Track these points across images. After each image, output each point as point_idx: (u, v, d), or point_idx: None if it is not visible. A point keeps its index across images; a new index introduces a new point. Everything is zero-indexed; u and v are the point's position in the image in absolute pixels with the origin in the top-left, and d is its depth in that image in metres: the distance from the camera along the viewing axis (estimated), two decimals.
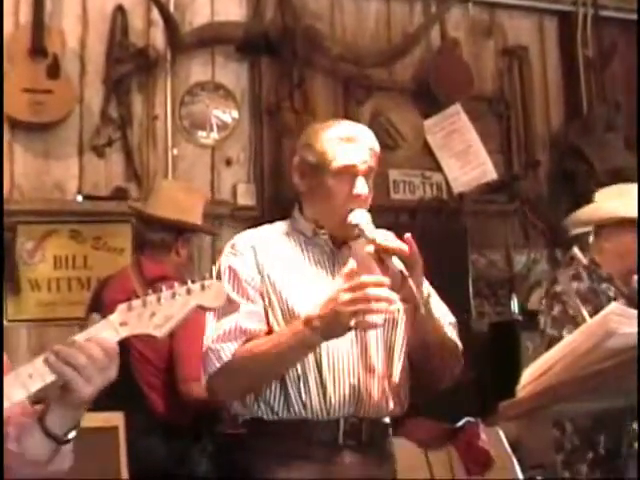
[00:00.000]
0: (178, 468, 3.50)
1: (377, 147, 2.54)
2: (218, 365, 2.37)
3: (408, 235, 2.30)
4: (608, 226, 3.22)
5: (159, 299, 1.75)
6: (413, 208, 5.20)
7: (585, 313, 2.89)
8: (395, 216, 5.13)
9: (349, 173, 2.46)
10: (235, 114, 4.95)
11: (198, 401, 3.28)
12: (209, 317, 2.44)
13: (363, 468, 2.44)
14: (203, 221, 3.94)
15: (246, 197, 4.85)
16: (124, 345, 3.47)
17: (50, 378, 1.71)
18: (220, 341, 2.38)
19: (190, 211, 3.82)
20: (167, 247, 3.75)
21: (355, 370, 2.43)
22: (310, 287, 2.44)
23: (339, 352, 2.42)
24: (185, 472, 3.52)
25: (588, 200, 3.50)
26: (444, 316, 2.57)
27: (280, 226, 2.63)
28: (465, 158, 5.39)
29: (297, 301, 2.43)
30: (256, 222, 4.08)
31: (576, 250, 3.27)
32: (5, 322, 4.36)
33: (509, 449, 3.86)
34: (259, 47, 4.93)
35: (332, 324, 2.21)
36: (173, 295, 1.77)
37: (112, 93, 4.66)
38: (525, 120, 5.66)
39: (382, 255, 2.30)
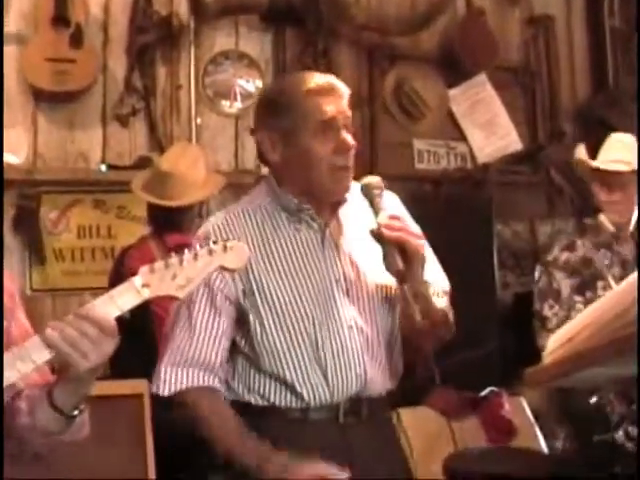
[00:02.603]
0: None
1: (348, 93, 2.30)
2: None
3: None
4: None
5: (181, 261, 1.76)
6: (437, 178, 5.17)
7: (611, 279, 2.87)
8: (419, 186, 5.11)
9: (330, 128, 2.23)
10: (259, 83, 4.92)
11: None
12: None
13: (363, 439, 2.32)
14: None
15: None
16: (148, 315, 3.46)
17: (40, 359, 1.72)
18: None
19: (195, 184, 3.74)
20: (183, 219, 3.74)
21: (358, 358, 2.29)
22: (300, 276, 2.29)
23: (341, 342, 2.28)
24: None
25: None
26: (437, 283, 2.36)
27: (258, 203, 2.37)
28: (490, 128, 5.37)
29: (288, 296, 2.27)
30: None
31: (603, 217, 3.22)
32: (29, 292, 4.38)
33: (532, 418, 3.87)
34: (283, 16, 4.90)
35: None
36: (195, 257, 1.77)
37: (135, 62, 4.64)
38: (551, 90, 5.61)
39: (382, 239, 2.18)
